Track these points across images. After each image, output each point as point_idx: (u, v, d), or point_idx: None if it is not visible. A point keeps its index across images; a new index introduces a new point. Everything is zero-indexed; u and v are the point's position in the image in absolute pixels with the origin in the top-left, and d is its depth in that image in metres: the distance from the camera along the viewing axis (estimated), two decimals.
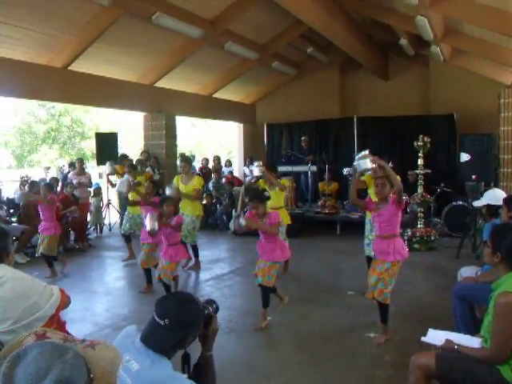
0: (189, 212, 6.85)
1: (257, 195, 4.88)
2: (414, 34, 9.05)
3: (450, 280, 5.09)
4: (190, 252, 6.88)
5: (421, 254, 7.53)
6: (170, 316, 1.90)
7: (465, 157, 8.96)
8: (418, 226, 8.13)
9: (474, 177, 8.61)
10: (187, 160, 7.38)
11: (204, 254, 7.51)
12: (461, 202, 8.67)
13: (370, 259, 5.19)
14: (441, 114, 11.32)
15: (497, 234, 2.70)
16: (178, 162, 11.41)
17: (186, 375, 1.96)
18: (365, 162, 4.34)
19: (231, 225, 10.19)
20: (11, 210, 9.08)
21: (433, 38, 8.25)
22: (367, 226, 5.72)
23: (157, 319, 1.91)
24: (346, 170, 10.39)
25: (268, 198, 5.27)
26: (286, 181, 7.08)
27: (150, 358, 1.88)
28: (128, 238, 7.57)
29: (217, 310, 2.19)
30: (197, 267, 7.06)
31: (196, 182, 6.95)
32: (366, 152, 4.46)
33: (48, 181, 9.80)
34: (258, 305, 5.38)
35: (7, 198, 9.47)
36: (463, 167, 9.07)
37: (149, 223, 5.11)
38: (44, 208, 6.68)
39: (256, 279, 4.78)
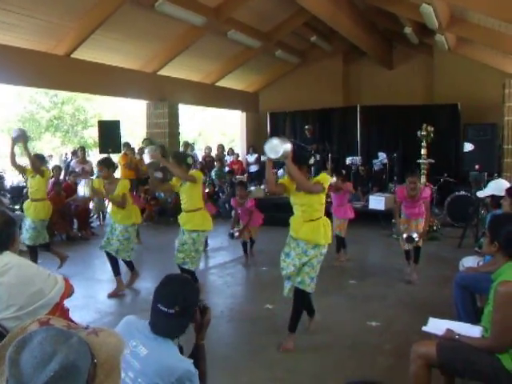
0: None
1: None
2: (418, 22, 8.99)
3: (451, 270, 5.10)
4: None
5: (423, 244, 7.52)
6: (178, 302, 1.92)
7: (468, 147, 8.93)
8: None
9: (477, 167, 8.58)
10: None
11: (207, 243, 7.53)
12: (464, 192, 8.64)
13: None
14: (445, 103, 11.28)
15: (495, 223, 2.70)
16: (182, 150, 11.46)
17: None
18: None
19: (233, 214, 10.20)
20: (14, 198, 9.11)
21: (438, 27, 8.19)
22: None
23: (164, 309, 1.91)
24: (349, 160, 10.38)
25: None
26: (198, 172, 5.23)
27: (157, 342, 1.91)
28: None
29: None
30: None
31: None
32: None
33: (51, 169, 9.84)
34: (260, 293, 5.41)
35: (10, 186, 9.50)
36: (466, 157, 9.04)
37: None
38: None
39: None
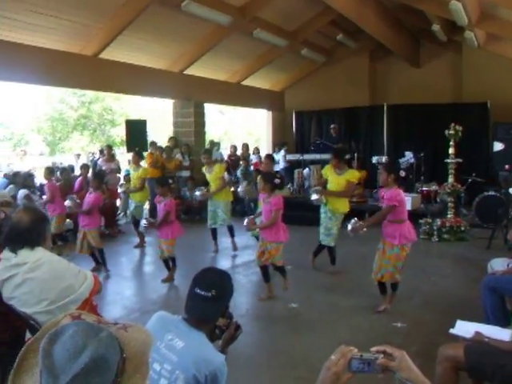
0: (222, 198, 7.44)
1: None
2: (447, 19, 8.84)
3: (480, 271, 5.00)
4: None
5: (450, 245, 7.42)
6: (215, 287, 2.01)
7: (498, 146, 8.77)
8: (448, 216, 7.99)
9: (506, 166, 8.42)
10: (207, 152, 7.80)
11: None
12: (493, 193, 8.45)
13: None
14: (474, 101, 11.06)
15: None
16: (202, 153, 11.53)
17: None
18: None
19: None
20: (43, 196, 9.28)
21: (467, 23, 8.03)
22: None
23: (202, 293, 1.99)
24: (375, 159, 10.28)
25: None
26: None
27: (193, 335, 1.96)
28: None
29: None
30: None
31: (217, 171, 7.43)
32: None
33: (79, 168, 10.02)
34: (285, 292, 5.41)
35: (40, 184, 9.68)
36: (496, 157, 8.88)
37: None
38: None
39: (258, 261, 5.17)
